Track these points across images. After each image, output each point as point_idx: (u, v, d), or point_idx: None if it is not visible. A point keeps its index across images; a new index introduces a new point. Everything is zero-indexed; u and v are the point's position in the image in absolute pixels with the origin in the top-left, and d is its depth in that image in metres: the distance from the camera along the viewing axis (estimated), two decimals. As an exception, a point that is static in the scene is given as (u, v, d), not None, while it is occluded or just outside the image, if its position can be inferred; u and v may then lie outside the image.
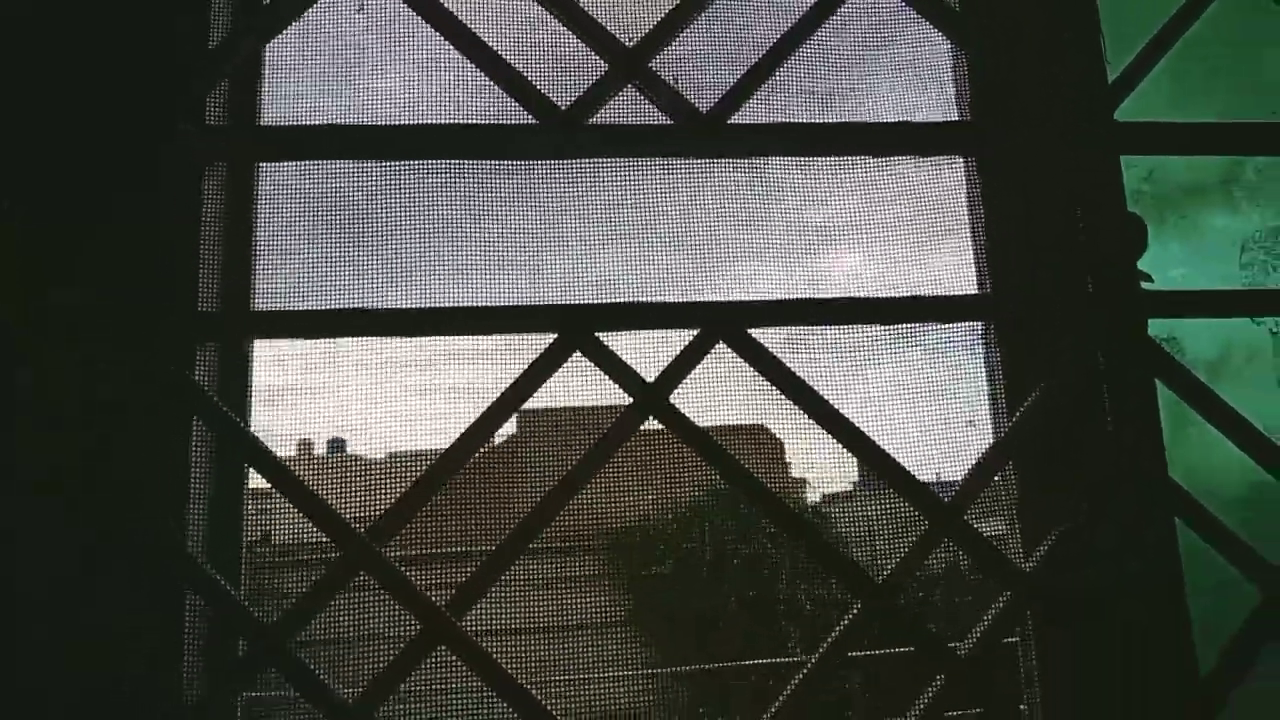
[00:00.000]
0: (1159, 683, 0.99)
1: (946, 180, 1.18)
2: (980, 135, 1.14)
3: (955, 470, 1.09)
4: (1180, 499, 1.02)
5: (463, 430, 1.00)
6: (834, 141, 1.12)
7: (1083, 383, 1.05)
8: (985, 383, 1.12)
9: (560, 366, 1.04)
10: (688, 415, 1.04)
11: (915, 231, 1.17)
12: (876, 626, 1.00)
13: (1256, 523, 1.08)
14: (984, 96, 1.16)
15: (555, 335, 1.03)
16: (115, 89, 1.00)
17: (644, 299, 1.06)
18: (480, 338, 1.05)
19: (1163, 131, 1.11)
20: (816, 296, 1.09)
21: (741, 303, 1.06)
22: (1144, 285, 1.09)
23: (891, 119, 1.13)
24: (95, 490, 0.93)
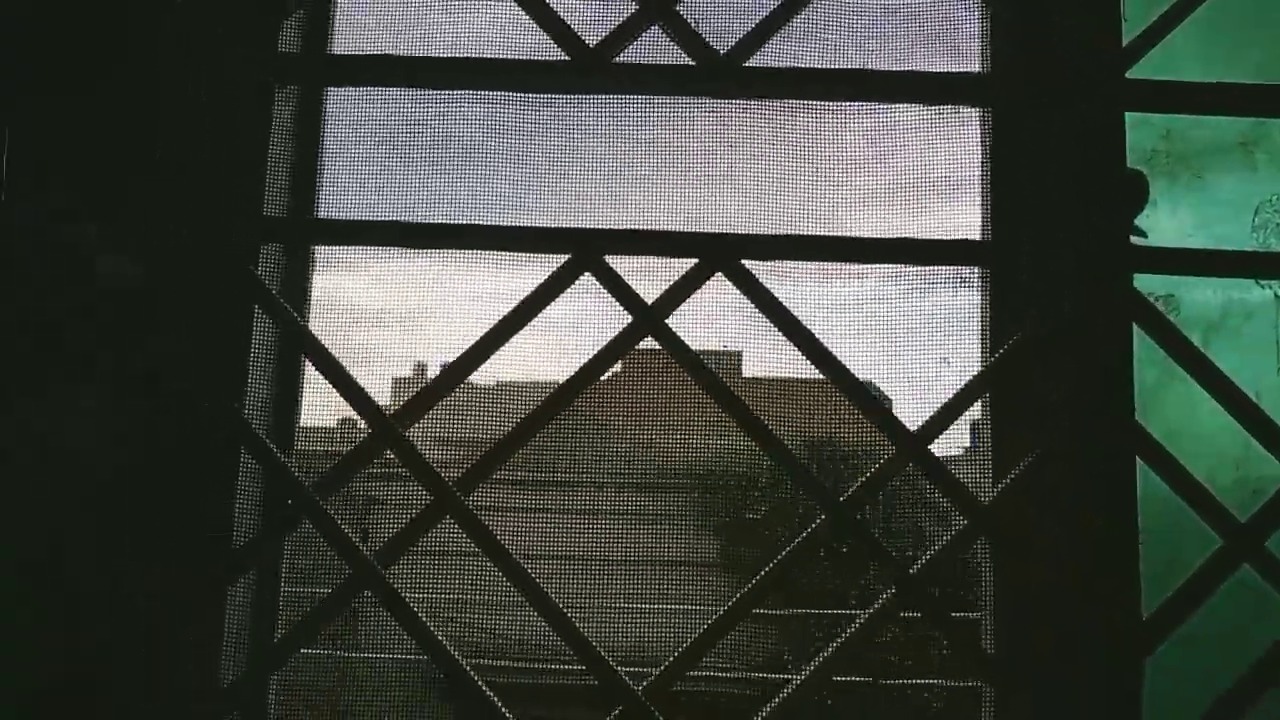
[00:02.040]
0: (1101, 618, 1.05)
1: (958, 130, 1.22)
2: (991, 86, 1.18)
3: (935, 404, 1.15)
4: (1144, 442, 1.06)
5: (477, 338, 1.13)
6: (850, 87, 1.18)
7: (1063, 328, 1.10)
8: (975, 325, 1.18)
9: (570, 284, 1.15)
10: (683, 339, 1.14)
11: (923, 179, 1.22)
12: (840, 538, 1.09)
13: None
14: (1002, 48, 1.20)
15: (568, 256, 1.15)
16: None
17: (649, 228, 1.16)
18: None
19: (1174, 90, 1.12)
20: (815, 234, 1.16)
21: (741, 235, 1.15)
22: (1136, 240, 1.12)
23: (906, 69, 1.18)
24: (167, 365, 1.11)
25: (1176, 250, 1.10)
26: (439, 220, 1.16)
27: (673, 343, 1.13)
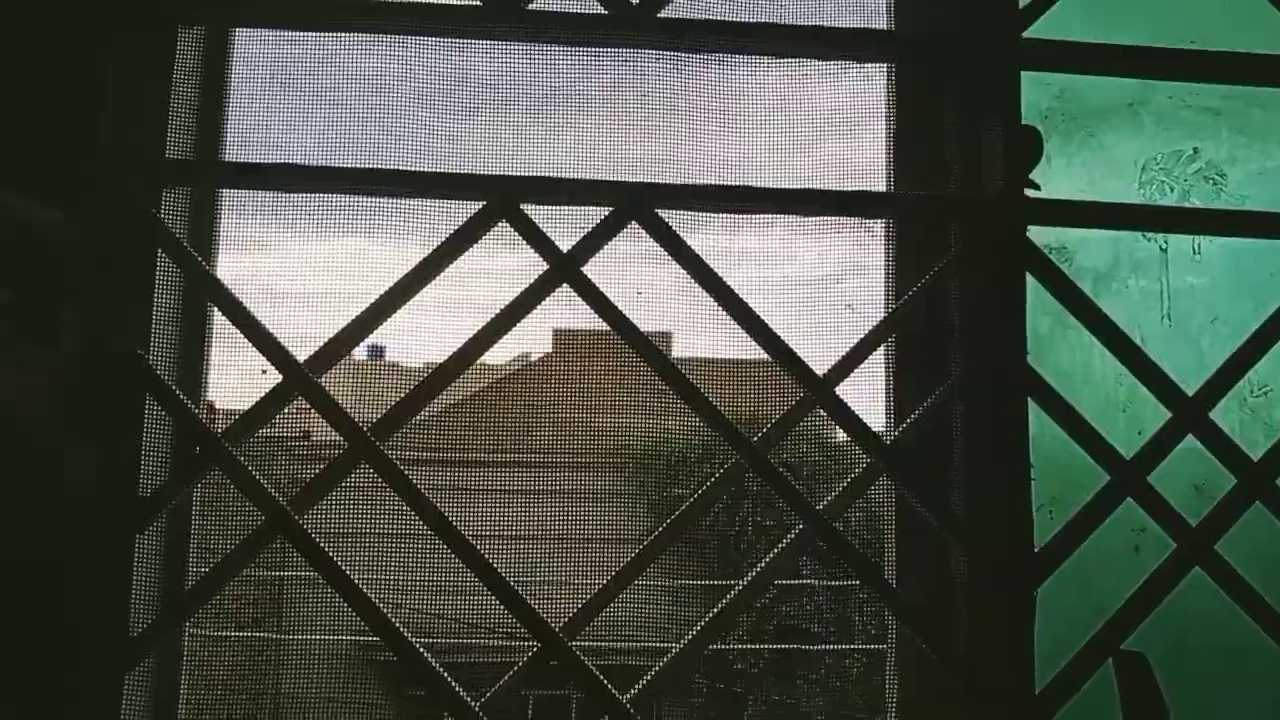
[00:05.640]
0: (997, 546, 1.10)
1: (867, 85, 1.26)
2: (894, 43, 1.22)
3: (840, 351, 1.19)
4: (1036, 384, 1.12)
5: (382, 292, 1.12)
6: (759, 39, 1.21)
7: (960, 277, 1.15)
8: (881, 274, 1.22)
9: (486, 233, 1.16)
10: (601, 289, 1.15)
11: (833, 132, 1.26)
12: (751, 476, 1.12)
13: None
14: (907, 8, 1.24)
15: (483, 204, 1.15)
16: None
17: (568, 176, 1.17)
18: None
19: (1067, 50, 1.18)
20: (729, 184, 1.19)
21: (657, 184, 1.17)
22: (1031, 193, 1.17)
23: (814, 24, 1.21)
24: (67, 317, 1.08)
25: (1070, 202, 1.15)
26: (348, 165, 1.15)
27: (590, 292, 1.14)
